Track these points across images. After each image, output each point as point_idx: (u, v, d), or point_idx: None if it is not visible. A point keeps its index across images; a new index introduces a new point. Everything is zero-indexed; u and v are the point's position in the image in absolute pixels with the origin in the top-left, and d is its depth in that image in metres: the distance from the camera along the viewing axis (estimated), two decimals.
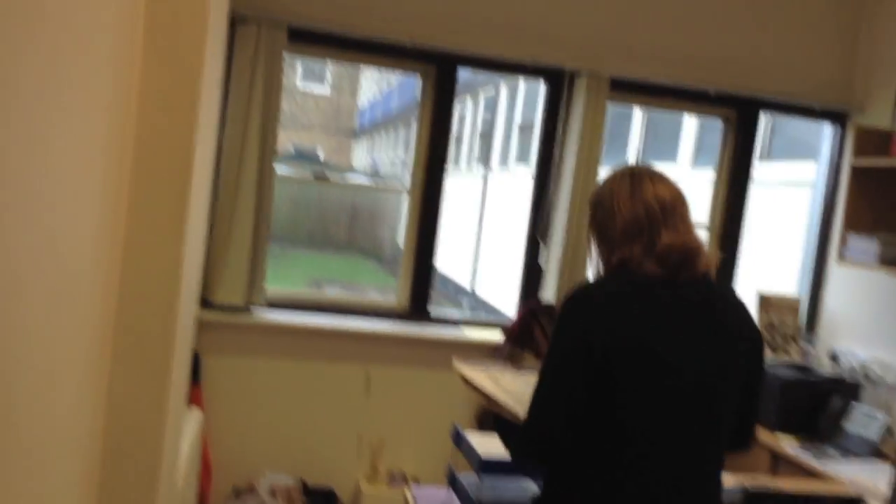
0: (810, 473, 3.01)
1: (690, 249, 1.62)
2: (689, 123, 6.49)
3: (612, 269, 1.66)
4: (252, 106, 3.33)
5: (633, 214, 1.63)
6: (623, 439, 1.54)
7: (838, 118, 3.91)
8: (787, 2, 3.81)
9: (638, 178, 1.68)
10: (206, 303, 3.38)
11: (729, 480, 2.67)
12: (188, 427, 2.69)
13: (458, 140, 12.88)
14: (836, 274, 3.86)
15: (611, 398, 1.53)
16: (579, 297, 1.59)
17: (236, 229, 3.36)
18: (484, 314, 6.22)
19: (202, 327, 3.36)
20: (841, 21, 3.86)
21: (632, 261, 1.62)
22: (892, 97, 3.31)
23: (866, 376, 3.53)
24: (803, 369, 3.60)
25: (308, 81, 20.64)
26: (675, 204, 1.66)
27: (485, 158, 11.64)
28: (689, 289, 1.62)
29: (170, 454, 1.76)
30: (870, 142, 3.40)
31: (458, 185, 11.47)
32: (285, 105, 3.57)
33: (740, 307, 1.68)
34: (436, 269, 3.80)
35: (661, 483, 1.55)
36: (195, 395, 3.28)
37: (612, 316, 1.55)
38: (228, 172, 3.34)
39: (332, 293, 5.68)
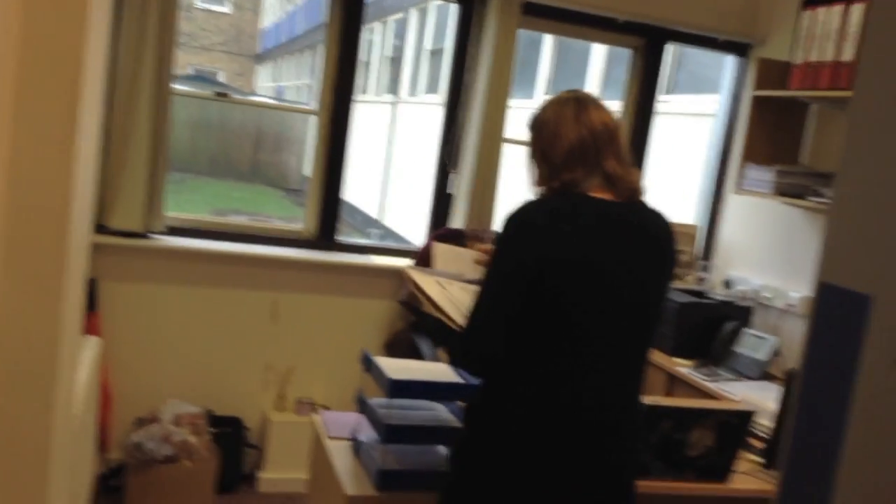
0: (704, 394, 3.17)
1: (630, 177, 1.69)
2: (598, 55, 6.53)
3: (554, 191, 1.69)
4: (147, 23, 3.13)
5: (579, 137, 1.66)
6: (558, 351, 1.60)
7: (741, 50, 4.00)
8: None
9: (583, 103, 1.71)
10: (101, 228, 3.23)
11: None
12: (86, 355, 2.59)
13: (367, 67, 12.60)
14: (734, 203, 4.01)
15: (547, 313, 1.59)
16: (520, 217, 1.62)
17: (132, 152, 3.20)
18: (392, 242, 6.20)
19: (99, 252, 3.21)
20: None
21: (574, 183, 1.65)
22: (791, 30, 3.39)
23: (758, 301, 3.71)
24: (699, 294, 3.75)
25: (208, 1, 19.66)
26: (616, 129, 1.72)
27: (394, 86, 11.45)
28: (628, 210, 1.68)
29: (65, 382, 1.68)
30: (770, 74, 3.49)
31: (366, 113, 11.27)
32: (183, 24, 3.38)
33: (669, 230, 1.76)
34: (343, 198, 3.73)
35: (592, 393, 1.62)
36: (93, 322, 3.16)
37: (551, 235, 1.58)
38: (122, 93, 3.16)
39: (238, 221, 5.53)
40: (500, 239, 1.63)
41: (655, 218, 1.75)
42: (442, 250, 2.06)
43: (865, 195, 0.75)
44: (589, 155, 1.67)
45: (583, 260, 1.59)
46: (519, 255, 1.59)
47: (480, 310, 1.63)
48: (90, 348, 2.73)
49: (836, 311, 0.77)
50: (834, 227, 0.78)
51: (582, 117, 1.68)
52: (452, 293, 1.81)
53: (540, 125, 1.74)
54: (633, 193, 1.71)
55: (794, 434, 0.81)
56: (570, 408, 1.62)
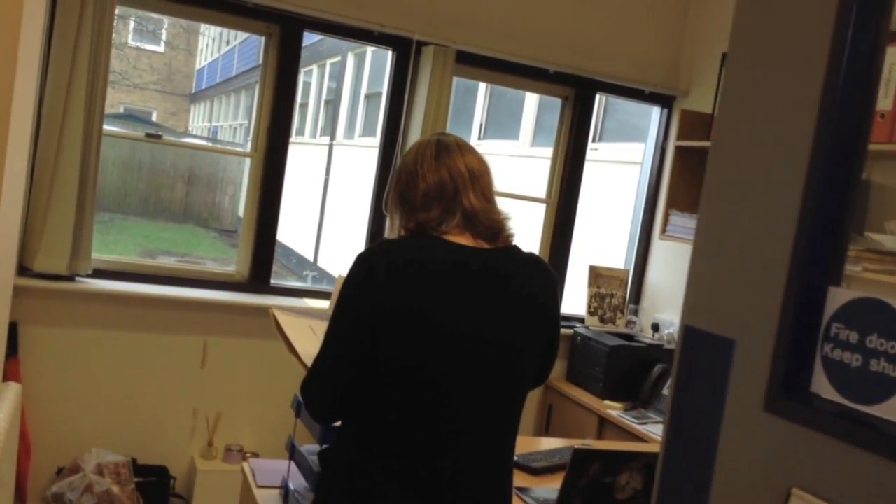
0: (634, 436, 3.23)
1: (492, 216, 1.61)
2: (530, 103, 6.69)
3: (410, 232, 1.62)
4: (77, 62, 3.09)
5: (438, 178, 1.60)
6: (402, 405, 1.52)
7: (666, 101, 4.16)
8: None
9: (444, 146, 1.64)
10: (24, 270, 3.14)
11: (558, 443, 2.81)
12: (5, 402, 2.50)
13: (303, 109, 12.60)
14: (659, 249, 4.13)
15: (387, 364, 1.51)
16: (362, 261, 1.55)
17: (59, 192, 3.13)
18: (326, 285, 6.16)
19: (20, 295, 3.11)
20: (670, 12, 4.10)
21: (429, 224, 1.59)
22: (714, 83, 3.55)
23: None
24: (628, 337, 3.84)
25: (141, 40, 19.44)
26: (481, 173, 1.64)
27: (330, 128, 11.47)
28: (487, 256, 1.58)
29: None
30: (693, 125, 3.65)
31: (302, 155, 11.24)
32: (115, 62, 3.34)
33: (544, 277, 1.65)
34: (277, 240, 3.71)
35: (437, 455, 1.53)
36: (12, 368, 3.04)
37: (390, 283, 1.50)
38: (50, 131, 3.10)
39: (168, 264, 5.43)
40: (344, 283, 1.56)
41: (525, 265, 1.63)
42: (286, 320, 1.99)
43: (724, 239, 0.76)
44: (447, 195, 1.59)
45: (418, 309, 1.49)
46: (355, 304, 1.52)
47: (319, 358, 1.57)
48: (9, 395, 2.63)
49: (701, 355, 0.78)
50: (695, 270, 0.79)
51: (443, 158, 1.62)
52: (321, 335, 1.76)
53: (400, 167, 1.68)
54: (495, 234, 1.61)
55: (661, 478, 0.81)
56: (416, 466, 1.52)
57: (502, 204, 1.69)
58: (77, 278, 3.27)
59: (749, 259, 0.74)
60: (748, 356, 0.73)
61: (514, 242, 1.66)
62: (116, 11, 3.17)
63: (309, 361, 1.66)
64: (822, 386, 0.68)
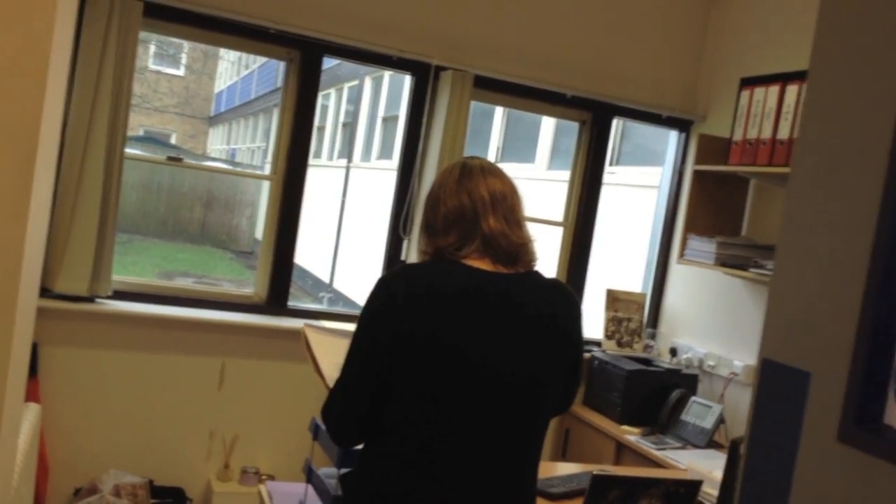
0: (652, 462, 3.20)
1: (513, 240, 1.59)
2: (547, 126, 6.71)
3: (429, 257, 1.62)
4: (101, 86, 3.14)
5: (458, 203, 1.59)
6: (421, 432, 1.51)
7: (683, 126, 4.16)
8: (641, 18, 4.01)
9: (468, 170, 1.63)
10: (45, 291, 3.17)
11: (576, 468, 2.79)
12: (24, 423, 2.51)
13: (321, 132, 12.71)
14: (677, 273, 4.11)
15: (405, 390, 1.51)
16: (381, 287, 1.55)
17: (80, 215, 3.17)
18: (343, 307, 6.17)
19: (41, 316, 3.14)
20: (688, 36, 4.11)
21: (447, 250, 1.58)
22: (731, 108, 3.55)
23: (702, 370, 3.78)
24: (646, 362, 3.81)
25: (161, 64, 19.70)
26: (505, 195, 1.62)
27: (347, 151, 11.55)
28: (507, 281, 1.57)
29: (5, 454, 1.63)
30: (711, 149, 3.64)
31: (319, 177, 11.31)
32: (136, 86, 3.39)
33: (565, 303, 1.64)
34: (295, 262, 3.73)
35: (458, 483, 1.52)
36: (32, 388, 3.07)
37: (407, 309, 1.50)
38: (73, 154, 3.14)
39: (186, 285, 5.48)
40: (363, 307, 1.57)
41: (545, 290, 1.62)
42: (316, 339, 1.99)
43: (803, 272, 0.77)
44: (466, 220, 1.58)
45: (435, 335, 1.49)
46: (374, 328, 1.52)
47: (340, 383, 1.58)
48: (29, 415, 2.65)
49: (777, 387, 0.79)
50: (773, 304, 0.81)
51: (465, 183, 1.61)
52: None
53: (428, 194, 1.68)
54: (515, 258, 1.59)
55: (741, 502, 0.83)
56: (436, 495, 1.51)
57: (529, 227, 1.67)
58: (97, 299, 3.30)
59: (824, 292, 0.75)
60: (823, 388, 0.74)
61: (536, 267, 1.65)
62: (139, 37, 3.22)
63: (331, 383, 1.66)
64: (895, 417, 0.69)
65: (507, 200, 1.62)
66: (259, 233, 3.83)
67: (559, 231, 4.13)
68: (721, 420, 3.43)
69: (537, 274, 1.65)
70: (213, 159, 20.43)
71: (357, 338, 1.56)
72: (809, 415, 0.75)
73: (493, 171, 1.65)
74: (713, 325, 3.84)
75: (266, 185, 3.70)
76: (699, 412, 3.44)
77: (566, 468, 2.83)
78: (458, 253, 1.58)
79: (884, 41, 0.72)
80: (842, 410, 0.72)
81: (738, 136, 3.46)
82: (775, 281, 0.81)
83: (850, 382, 0.71)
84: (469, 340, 1.51)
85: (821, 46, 0.78)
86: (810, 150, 0.79)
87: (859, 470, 0.70)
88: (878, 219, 0.70)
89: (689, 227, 3.67)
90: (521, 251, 1.61)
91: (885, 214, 0.70)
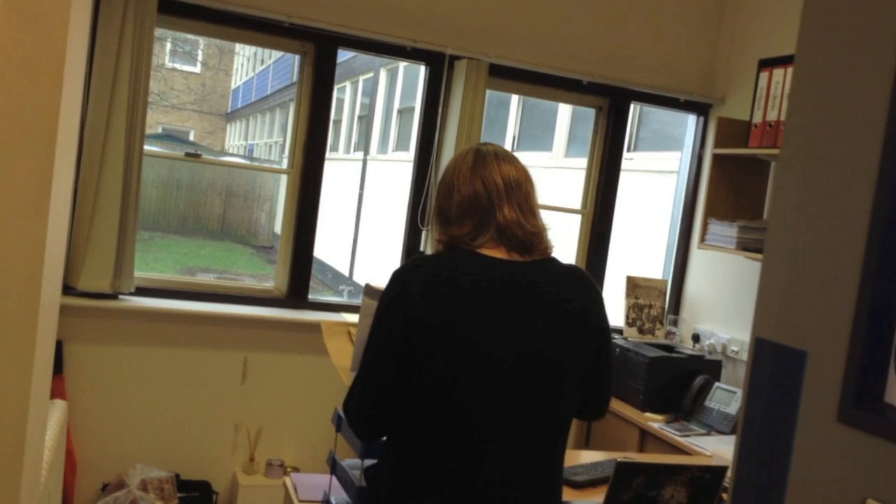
0: (677, 449, 3.18)
1: (528, 229, 1.57)
2: (563, 113, 6.67)
3: (444, 247, 1.61)
4: (118, 84, 3.16)
5: (473, 190, 1.58)
6: (443, 420, 1.51)
7: (701, 109, 4.12)
8: (656, 1, 3.98)
9: (482, 156, 1.62)
10: (68, 289, 3.20)
11: (600, 456, 2.78)
12: (51, 420, 2.54)
13: (337, 125, 12.72)
14: (698, 258, 4.08)
15: (426, 380, 1.50)
16: (397, 278, 1.55)
17: (101, 212, 3.19)
18: None
19: (65, 314, 3.17)
20: (705, 19, 4.06)
21: (462, 239, 1.57)
22: (750, 91, 3.51)
23: (725, 355, 3.75)
24: (668, 349, 3.79)
25: (177, 61, 19.80)
26: (519, 182, 1.60)
27: (364, 144, 11.55)
28: (524, 269, 1.56)
29: (33, 451, 1.65)
30: (730, 132, 3.60)
31: (336, 171, 11.33)
32: (153, 84, 3.41)
33: (584, 290, 1.62)
34: (314, 256, 3.74)
35: (483, 472, 1.51)
36: (58, 385, 3.10)
37: (424, 299, 1.49)
38: (92, 153, 3.17)
39: (207, 280, 5.53)
40: (379, 300, 1.56)
41: (562, 276, 1.60)
42: (329, 335, 1.97)
43: (794, 249, 0.75)
44: (481, 209, 1.57)
45: (451, 326, 1.48)
46: (390, 321, 1.52)
47: (360, 374, 1.58)
48: (55, 412, 2.68)
49: (772, 367, 0.77)
50: (766, 281, 0.78)
51: (479, 170, 1.59)
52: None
53: (441, 180, 1.66)
54: (530, 246, 1.58)
55: (734, 491, 0.81)
56: (459, 486, 1.50)
57: (543, 214, 1.66)
58: (120, 296, 3.32)
59: (820, 269, 0.73)
60: (820, 367, 0.72)
61: (553, 255, 1.64)
62: (155, 34, 3.23)
63: (344, 375, 1.67)
64: None
65: (521, 188, 1.61)
66: (278, 227, 3.84)
67: (578, 219, 4.11)
68: None
69: (554, 260, 1.64)
70: (231, 155, 20.54)
71: (374, 330, 1.56)
72: (807, 395, 0.73)
73: (506, 158, 1.64)
74: (736, 310, 3.80)
75: (284, 180, 3.71)
76: (723, 398, 3.42)
77: (590, 456, 2.83)
78: (472, 243, 1.57)
79: (873, 21, 0.70)
80: (841, 390, 0.69)
81: (757, 119, 3.42)
82: (767, 256, 0.78)
83: (849, 360, 0.69)
84: (487, 329, 1.50)
85: (806, 33, 0.77)
86: (800, 124, 0.77)
87: (859, 450, 0.68)
88: (874, 192, 0.68)
89: (710, 212, 3.63)
90: (535, 240, 1.59)
91: (882, 187, 0.67)
